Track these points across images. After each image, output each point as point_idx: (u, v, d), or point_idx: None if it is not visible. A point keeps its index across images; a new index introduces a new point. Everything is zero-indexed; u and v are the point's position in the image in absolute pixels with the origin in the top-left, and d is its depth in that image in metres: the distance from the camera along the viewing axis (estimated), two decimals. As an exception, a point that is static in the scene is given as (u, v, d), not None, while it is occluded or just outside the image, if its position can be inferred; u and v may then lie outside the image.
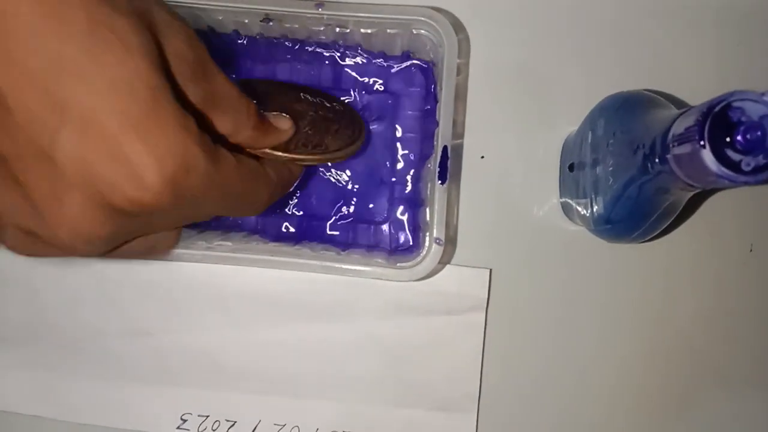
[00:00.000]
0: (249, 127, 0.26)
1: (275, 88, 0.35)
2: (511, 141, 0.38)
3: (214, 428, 0.38)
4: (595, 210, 0.32)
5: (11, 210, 0.21)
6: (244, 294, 0.38)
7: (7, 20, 0.19)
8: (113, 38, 0.20)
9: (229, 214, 0.28)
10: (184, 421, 0.38)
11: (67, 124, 0.19)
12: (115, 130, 0.20)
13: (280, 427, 0.38)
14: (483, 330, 0.37)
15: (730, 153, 0.21)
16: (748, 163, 0.21)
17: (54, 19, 0.19)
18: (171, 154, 0.20)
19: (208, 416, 0.38)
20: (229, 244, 0.34)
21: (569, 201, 0.36)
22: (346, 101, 0.37)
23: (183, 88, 0.23)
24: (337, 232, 0.37)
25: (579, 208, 0.34)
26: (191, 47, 0.23)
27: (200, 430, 0.38)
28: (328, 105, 0.35)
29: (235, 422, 0.38)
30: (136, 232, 0.24)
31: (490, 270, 0.37)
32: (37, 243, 0.22)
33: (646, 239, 0.31)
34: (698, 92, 0.23)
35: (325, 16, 0.33)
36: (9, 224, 0.22)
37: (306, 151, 0.32)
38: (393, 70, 0.37)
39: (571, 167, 0.36)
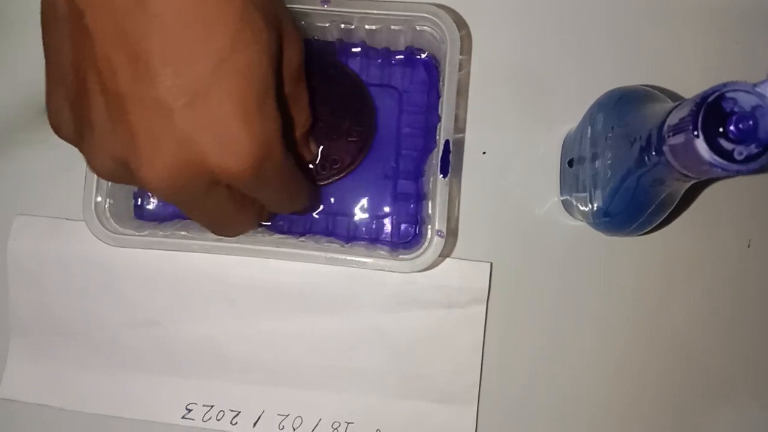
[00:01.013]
0: (302, 131, 0.32)
1: None
2: (512, 137, 0.39)
3: (218, 418, 0.38)
4: (594, 203, 0.32)
5: (113, 140, 0.24)
6: (249, 285, 0.38)
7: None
8: (250, 30, 0.23)
9: (278, 206, 0.31)
10: (189, 410, 0.38)
11: (190, 89, 0.23)
12: (228, 107, 0.23)
13: (283, 417, 0.38)
14: (484, 323, 0.38)
15: (723, 142, 0.21)
16: (740, 152, 0.21)
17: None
18: (263, 140, 0.24)
19: (212, 406, 0.38)
20: (235, 235, 0.35)
21: (569, 196, 0.37)
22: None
23: (281, 87, 0.27)
24: (341, 225, 0.38)
25: (578, 203, 0.35)
26: (298, 55, 0.28)
27: (205, 419, 0.38)
28: (333, 110, 0.37)
29: (239, 412, 0.38)
30: (205, 201, 0.26)
31: (491, 264, 0.38)
32: (120, 171, 0.25)
33: (645, 232, 0.32)
34: (694, 88, 0.23)
35: (330, 13, 0.34)
36: (106, 151, 0.24)
37: (326, 175, 0.37)
38: (396, 66, 0.38)
39: (571, 162, 0.36)
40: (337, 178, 0.37)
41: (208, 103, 0.23)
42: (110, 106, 0.23)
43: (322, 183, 0.37)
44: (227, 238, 0.34)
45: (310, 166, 0.37)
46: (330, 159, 0.37)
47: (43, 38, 0.25)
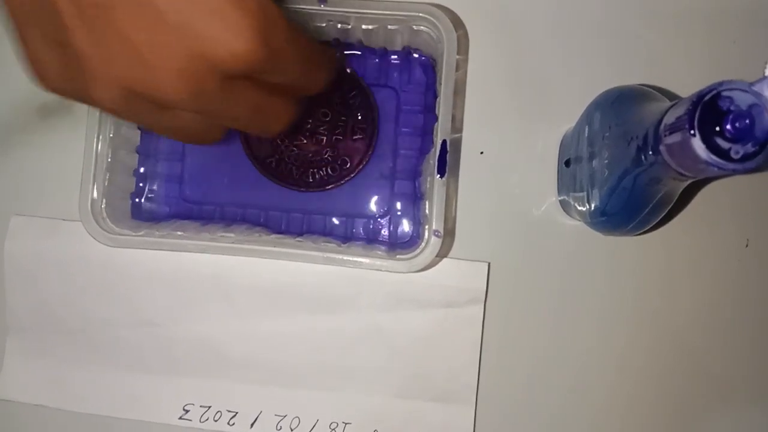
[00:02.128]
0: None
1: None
2: (509, 137, 0.39)
3: (215, 419, 0.38)
4: (591, 203, 0.32)
5: (109, 63, 0.23)
6: (247, 285, 0.38)
7: None
8: None
9: (311, 82, 0.29)
10: (187, 411, 0.38)
11: None
12: None
13: (281, 417, 0.38)
14: (481, 322, 0.38)
15: (720, 141, 0.21)
16: (737, 151, 0.21)
17: None
18: (258, 11, 0.23)
19: (210, 407, 0.38)
20: (233, 235, 0.35)
21: (566, 196, 0.37)
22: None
23: None
24: (339, 225, 0.38)
25: (576, 203, 0.35)
26: None
27: (202, 420, 0.38)
28: (336, 109, 0.37)
29: (237, 413, 0.38)
30: (231, 100, 0.25)
31: (489, 263, 0.38)
32: (129, 97, 0.23)
33: (642, 231, 0.32)
34: (691, 87, 0.23)
35: (327, 12, 0.34)
36: (107, 78, 0.23)
37: (337, 176, 0.37)
38: (393, 66, 0.38)
39: (567, 162, 0.36)
40: (348, 178, 0.37)
41: None
42: (96, 25, 0.22)
43: (333, 186, 0.38)
44: (225, 239, 0.34)
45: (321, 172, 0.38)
46: (339, 160, 0.37)
47: None
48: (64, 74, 0.24)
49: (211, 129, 0.28)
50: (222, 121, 0.27)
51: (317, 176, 0.38)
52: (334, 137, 0.37)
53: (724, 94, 0.21)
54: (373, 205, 0.38)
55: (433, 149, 0.34)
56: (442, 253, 0.37)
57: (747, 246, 0.38)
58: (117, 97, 0.24)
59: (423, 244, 0.33)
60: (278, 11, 0.24)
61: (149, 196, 0.38)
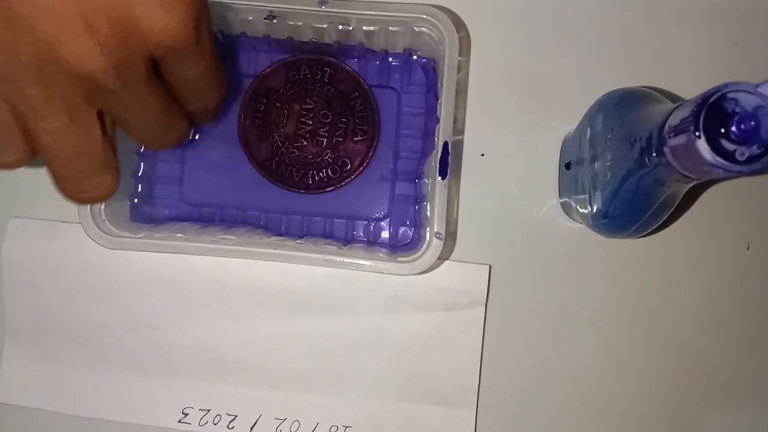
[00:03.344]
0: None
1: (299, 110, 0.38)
2: (511, 139, 0.39)
3: (215, 422, 0.38)
4: (593, 205, 0.32)
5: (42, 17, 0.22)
6: (247, 287, 0.38)
7: None
8: None
9: (204, 94, 0.30)
10: (186, 414, 0.38)
11: None
12: None
13: (281, 421, 0.38)
14: (482, 325, 0.38)
15: (725, 143, 0.21)
16: (742, 153, 0.21)
17: None
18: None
19: (209, 410, 0.38)
20: (233, 237, 0.34)
21: (568, 198, 0.36)
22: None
23: None
24: (339, 228, 0.38)
25: (577, 205, 0.35)
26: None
27: (201, 424, 0.38)
28: (336, 110, 0.37)
29: (236, 416, 0.38)
30: (144, 89, 0.25)
31: (490, 266, 0.38)
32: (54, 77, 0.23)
33: (645, 234, 0.32)
34: (694, 89, 0.23)
35: (328, 14, 0.34)
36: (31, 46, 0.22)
37: (338, 178, 0.37)
38: (394, 68, 0.38)
39: (568, 165, 0.36)
40: (349, 180, 0.37)
41: None
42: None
43: (334, 188, 0.37)
44: (225, 241, 0.34)
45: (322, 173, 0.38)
46: (339, 162, 0.37)
47: None
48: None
49: (105, 157, 0.27)
50: (120, 120, 0.26)
51: (318, 178, 0.37)
52: (334, 139, 0.37)
53: (730, 95, 0.21)
54: (373, 207, 0.38)
55: (434, 151, 0.34)
56: (444, 256, 0.37)
57: (748, 249, 0.38)
58: (31, 68, 0.23)
59: (424, 246, 0.33)
60: (206, 1, 0.25)
61: (149, 198, 0.38)
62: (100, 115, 0.26)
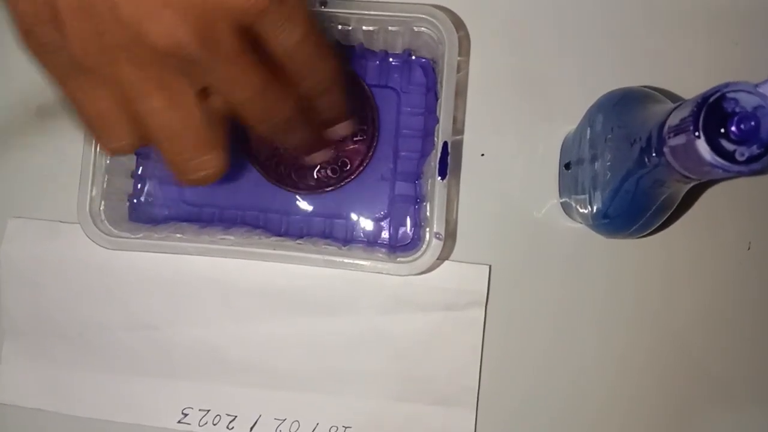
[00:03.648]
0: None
1: None
2: (510, 139, 0.39)
3: (214, 422, 0.38)
4: (593, 205, 0.32)
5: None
6: (247, 288, 0.38)
7: None
8: None
9: (313, 73, 0.28)
10: (185, 415, 0.38)
11: None
12: None
13: (281, 421, 0.38)
14: (482, 325, 0.38)
15: (725, 143, 0.21)
16: (742, 153, 0.21)
17: None
18: None
19: (209, 410, 0.38)
20: (232, 238, 0.34)
21: (568, 198, 0.36)
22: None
23: None
24: (339, 228, 0.38)
25: (577, 205, 0.35)
26: None
27: (201, 424, 0.38)
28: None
29: (236, 416, 0.38)
30: (238, 61, 0.24)
31: (490, 266, 0.38)
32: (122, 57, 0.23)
33: (644, 234, 0.32)
34: (694, 89, 0.23)
35: (327, 14, 0.34)
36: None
37: (338, 178, 0.37)
38: (394, 68, 0.38)
39: (567, 165, 0.36)
40: (349, 180, 0.37)
41: None
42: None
43: (333, 188, 0.37)
44: (224, 241, 0.34)
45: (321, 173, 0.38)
46: (339, 162, 0.37)
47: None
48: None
49: (208, 136, 0.26)
50: (227, 95, 0.26)
51: (317, 178, 0.37)
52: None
53: (729, 95, 0.21)
54: (373, 208, 0.38)
55: (434, 151, 0.34)
56: (443, 256, 0.37)
57: (749, 249, 0.38)
58: (93, 46, 0.23)
59: (424, 246, 0.33)
60: None
61: (148, 198, 0.38)
62: (204, 94, 0.25)
